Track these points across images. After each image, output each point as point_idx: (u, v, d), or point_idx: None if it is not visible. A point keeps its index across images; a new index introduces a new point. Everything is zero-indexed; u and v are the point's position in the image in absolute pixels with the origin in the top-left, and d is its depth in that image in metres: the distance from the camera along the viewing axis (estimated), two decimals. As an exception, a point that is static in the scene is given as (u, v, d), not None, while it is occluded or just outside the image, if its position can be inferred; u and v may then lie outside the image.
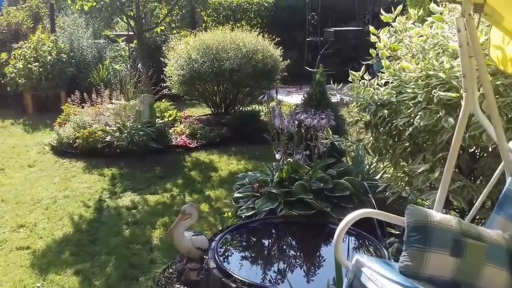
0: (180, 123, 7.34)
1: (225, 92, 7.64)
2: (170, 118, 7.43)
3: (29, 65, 8.59)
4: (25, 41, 9.32)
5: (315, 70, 10.47)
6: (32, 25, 10.76)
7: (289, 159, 4.29)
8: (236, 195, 4.37)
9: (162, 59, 8.38)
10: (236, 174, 5.44)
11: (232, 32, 7.72)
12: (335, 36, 10.46)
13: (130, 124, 6.35)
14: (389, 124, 3.35)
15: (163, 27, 9.94)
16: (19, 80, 8.52)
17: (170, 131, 6.66)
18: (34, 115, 8.56)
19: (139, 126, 6.28)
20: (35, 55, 8.77)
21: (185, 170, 5.74)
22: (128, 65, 7.11)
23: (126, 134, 6.14)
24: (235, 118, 7.01)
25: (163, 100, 7.85)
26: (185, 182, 5.35)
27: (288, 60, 8.04)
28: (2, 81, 8.95)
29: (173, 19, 11.76)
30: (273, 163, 4.46)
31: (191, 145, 6.56)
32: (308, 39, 10.62)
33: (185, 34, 11.86)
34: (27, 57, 8.73)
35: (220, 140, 6.70)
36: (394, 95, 3.29)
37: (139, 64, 6.97)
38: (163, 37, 10.86)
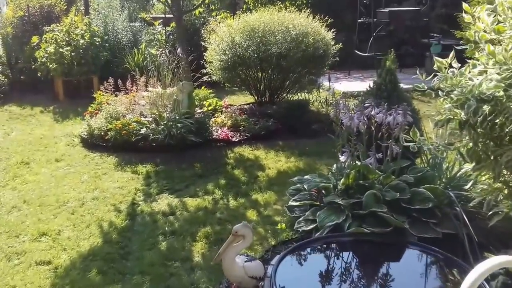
0: (221, 113, 6.75)
1: (270, 79, 6.99)
2: (210, 108, 6.86)
3: (61, 49, 8.18)
4: (57, 24, 8.91)
5: (367, 54, 9.75)
6: (65, 7, 10.37)
7: (356, 162, 3.61)
8: (291, 203, 3.74)
9: (202, 43, 7.79)
10: (286, 174, 4.84)
11: (279, 13, 7.03)
12: (389, 17, 9.59)
13: (168, 115, 5.80)
14: (492, 124, 2.63)
15: (201, 9, 9.34)
16: (50, 65, 8.12)
17: (210, 122, 6.06)
18: (65, 102, 8.17)
19: (177, 117, 5.72)
20: (67, 39, 8.36)
21: (227, 168, 5.14)
22: (167, 50, 6.51)
23: (163, 126, 5.59)
24: (282, 109, 6.36)
25: (202, 87, 7.28)
26: (228, 182, 4.76)
27: (341, 44, 7.30)
28: (33, 66, 8.58)
29: (213, 0, 11.18)
30: (335, 166, 3.80)
31: (233, 139, 5.96)
32: (360, 20, 9.80)
33: (225, 16, 11.29)
34: (58, 40, 8.32)
35: (266, 133, 6.07)
36: (502, 89, 2.57)
37: (178, 49, 6.37)
38: (202, 19, 10.26)
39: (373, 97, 4.10)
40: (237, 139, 5.96)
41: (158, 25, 10.87)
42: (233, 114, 6.60)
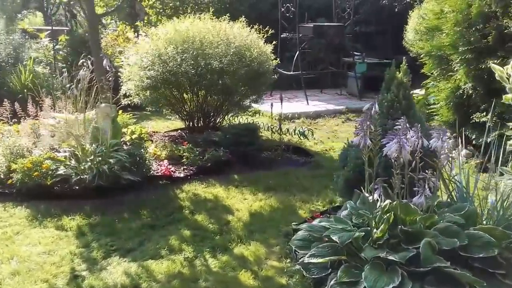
0: (152, 142, 5.74)
1: (205, 100, 6.15)
2: (133, 136, 5.79)
3: None
4: None
5: (292, 73, 9.35)
6: None
7: (388, 201, 2.96)
8: (308, 259, 2.96)
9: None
10: (261, 216, 4.11)
11: (211, 21, 6.26)
12: (314, 32, 9.31)
13: (92, 148, 4.67)
14: None
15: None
16: None
17: (147, 155, 5.03)
18: None
19: (104, 150, 4.63)
20: None
21: (185, 214, 4.20)
22: (89, 61, 5.31)
23: (89, 163, 4.46)
24: (230, 135, 5.55)
25: (119, 111, 6.18)
26: (195, 233, 3.83)
27: (278, 59, 6.75)
28: None
29: (107, 10, 10.03)
30: (360, 208, 3.12)
31: (177, 174, 5.01)
32: (283, 35, 9.39)
33: (123, 28, 10.20)
34: None
35: (214, 165, 5.20)
36: None
37: (104, 60, 5.19)
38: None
39: (383, 117, 3.52)
40: (182, 175, 5.02)
41: (44, 37, 9.46)
42: (165, 144, 5.65)
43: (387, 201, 2.98)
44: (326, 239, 3.08)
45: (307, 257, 2.97)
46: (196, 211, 4.24)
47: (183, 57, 5.59)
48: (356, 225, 3.11)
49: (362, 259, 2.86)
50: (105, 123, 5.01)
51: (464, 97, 5.36)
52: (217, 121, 6.51)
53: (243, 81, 5.85)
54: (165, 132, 6.71)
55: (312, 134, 6.40)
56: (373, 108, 2.89)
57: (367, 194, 3.04)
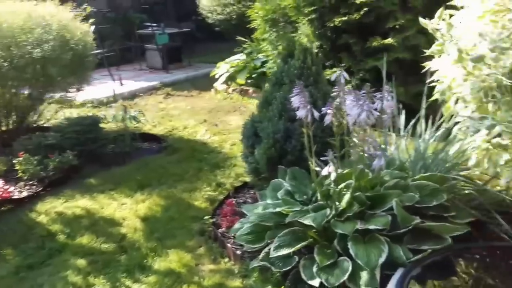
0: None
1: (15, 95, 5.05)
2: None
3: None
4: None
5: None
6: None
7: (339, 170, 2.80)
8: (276, 252, 2.64)
9: None
10: (156, 219, 3.61)
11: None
12: (109, 5, 8.49)
13: None
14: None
15: None
16: None
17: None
18: None
19: None
20: None
21: (60, 239, 3.40)
22: None
23: None
24: (70, 133, 4.67)
25: None
26: (91, 259, 3.14)
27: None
28: None
29: None
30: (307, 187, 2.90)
31: (19, 195, 4.03)
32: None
33: None
34: None
35: (61, 173, 4.33)
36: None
37: None
38: None
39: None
40: (26, 193, 4.05)
41: None
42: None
43: (340, 170, 2.81)
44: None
45: (273, 250, 2.64)
46: (73, 233, 3.46)
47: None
48: (303, 203, 2.90)
49: (329, 237, 2.68)
50: None
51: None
52: (34, 119, 5.44)
53: (69, 68, 4.95)
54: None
55: (144, 117, 5.84)
56: (341, 78, 2.68)
57: (319, 169, 2.82)
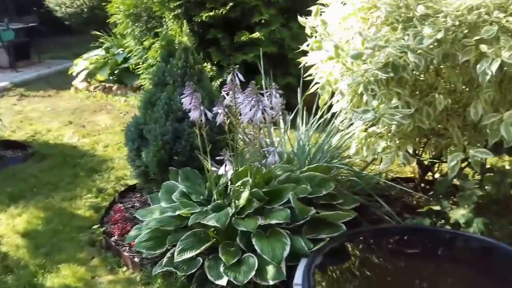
0: None
1: None
2: None
3: None
4: None
5: None
6: None
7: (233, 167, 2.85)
8: (180, 257, 2.61)
9: None
10: (38, 232, 3.36)
11: None
12: None
13: None
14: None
15: None
16: None
17: None
18: None
19: None
20: None
21: None
22: None
23: None
24: None
25: None
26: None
27: None
28: None
29: None
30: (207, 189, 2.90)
31: None
32: None
33: None
34: None
35: None
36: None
37: None
38: None
39: (179, 86, 3.28)
40: None
41: None
42: None
43: (234, 168, 2.85)
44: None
45: (177, 254, 2.61)
46: None
47: None
48: (200, 204, 2.90)
49: (231, 236, 2.72)
50: None
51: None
52: None
53: None
54: None
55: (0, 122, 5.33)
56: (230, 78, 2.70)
57: (213, 168, 2.83)
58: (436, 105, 2.73)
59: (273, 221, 2.63)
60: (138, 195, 3.69)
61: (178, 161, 3.19)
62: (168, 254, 2.71)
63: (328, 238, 2.63)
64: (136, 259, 2.91)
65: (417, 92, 2.87)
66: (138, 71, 6.11)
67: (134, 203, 3.59)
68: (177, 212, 2.75)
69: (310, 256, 2.51)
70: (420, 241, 2.74)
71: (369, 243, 2.75)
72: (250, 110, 2.63)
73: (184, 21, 4.23)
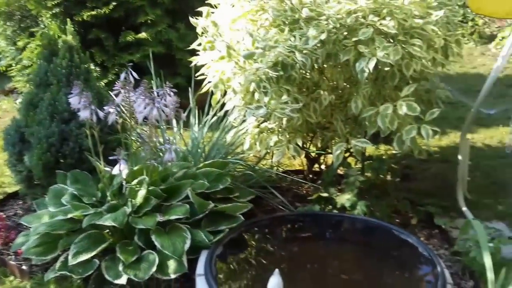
0: None
1: None
2: None
3: None
4: None
5: None
6: None
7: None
8: (75, 259, 2.52)
9: None
10: None
11: None
12: None
13: None
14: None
15: None
16: None
17: None
18: None
19: None
20: None
21: None
22: None
23: None
24: None
25: None
26: None
27: None
28: None
29: None
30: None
31: None
32: None
33: None
34: None
35: None
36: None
37: None
38: None
39: (64, 86, 3.16)
40: None
41: None
42: None
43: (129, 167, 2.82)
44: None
45: (72, 257, 2.52)
46: None
47: None
48: (93, 205, 2.82)
49: (128, 236, 2.70)
50: None
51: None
52: None
53: None
54: None
55: None
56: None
57: (106, 168, 2.78)
58: (322, 100, 2.97)
59: (173, 217, 2.65)
60: (21, 202, 3.49)
61: (66, 164, 3.08)
62: (61, 259, 2.61)
63: (228, 230, 2.71)
64: (24, 267, 2.77)
65: (304, 89, 3.08)
66: (11, 73, 5.74)
67: (17, 210, 3.40)
68: (69, 215, 2.65)
69: (211, 248, 2.57)
70: (312, 226, 2.94)
71: (266, 231, 2.90)
72: (145, 108, 2.64)
73: (68, 19, 4.07)
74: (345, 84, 3.07)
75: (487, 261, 2.29)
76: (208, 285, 2.30)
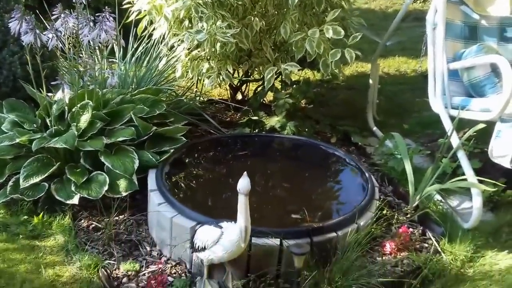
0: None
1: None
2: None
3: None
4: None
5: None
6: None
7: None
8: (26, 182, 2.58)
9: None
10: None
11: None
12: None
13: None
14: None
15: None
16: None
17: None
18: None
19: None
20: None
21: None
22: None
23: None
24: None
25: None
26: None
27: None
28: None
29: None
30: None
31: None
32: None
33: None
34: None
35: None
36: None
37: None
38: None
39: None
40: None
41: None
42: None
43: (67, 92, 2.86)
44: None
45: (23, 181, 2.58)
46: None
47: None
48: (34, 132, 2.86)
49: (74, 159, 2.80)
50: None
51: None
52: None
53: None
54: None
55: None
56: None
57: (50, 94, 2.80)
58: (253, 26, 3.18)
59: (120, 138, 2.77)
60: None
61: (1, 92, 3.04)
62: (10, 183, 2.66)
63: (172, 150, 2.90)
64: (-31, 194, 2.76)
65: (235, 16, 3.26)
66: None
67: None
68: (17, 140, 2.68)
69: (159, 166, 2.76)
70: (249, 145, 3.21)
71: (207, 150, 3.13)
72: (89, 31, 2.68)
73: None
74: (274, 11, 3.29)
75: (408, 166, 2.72)
76: (164, 198, 2.50)
